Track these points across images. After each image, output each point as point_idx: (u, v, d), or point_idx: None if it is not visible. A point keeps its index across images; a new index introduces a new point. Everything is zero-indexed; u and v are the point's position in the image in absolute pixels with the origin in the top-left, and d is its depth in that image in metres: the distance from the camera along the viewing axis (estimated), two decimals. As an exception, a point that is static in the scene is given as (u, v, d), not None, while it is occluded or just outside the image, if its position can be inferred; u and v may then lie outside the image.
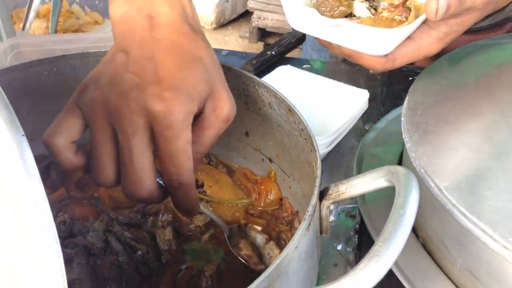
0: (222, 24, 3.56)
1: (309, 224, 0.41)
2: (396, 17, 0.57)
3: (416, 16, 0.57)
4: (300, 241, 0.40)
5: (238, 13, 3.65)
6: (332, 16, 0.58)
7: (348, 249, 0.63)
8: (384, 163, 0.72)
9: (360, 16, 0.59)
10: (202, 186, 0.64)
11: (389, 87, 0.95)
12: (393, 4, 0.59)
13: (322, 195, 0.46)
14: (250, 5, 3.21)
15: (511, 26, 0.88)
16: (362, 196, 0.65)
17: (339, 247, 0.64)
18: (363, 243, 0.65)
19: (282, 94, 0.55)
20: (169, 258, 0.56)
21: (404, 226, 0.34)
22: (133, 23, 0.47)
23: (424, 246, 0.58)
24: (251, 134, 0.64)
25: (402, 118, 0.62)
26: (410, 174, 0.38)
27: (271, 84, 0.57)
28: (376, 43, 0.55)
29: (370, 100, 0.82)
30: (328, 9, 0.58)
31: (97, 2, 1.02)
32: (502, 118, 0.55)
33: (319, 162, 0.46)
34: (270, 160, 0.63)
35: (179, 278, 0.54)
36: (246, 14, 3.57)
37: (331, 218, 0.48)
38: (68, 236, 0.56)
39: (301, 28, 0.60)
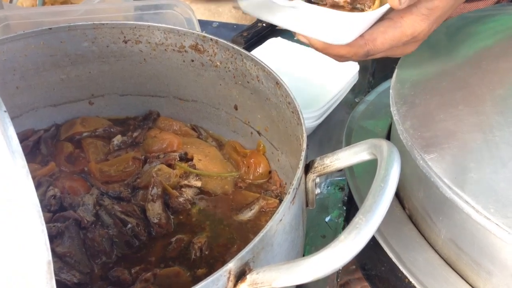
0: (216, -5, 3.50)
1: (294, 197, 0.42)
2: (357, 5, 0.50)
3: (382, 4, 0.49)
4: (285, 214, 0.40)
5: (232, -17, 3.59)
6: None
7: (337, 221, 0.64)
8: (374, 135, 0.72)
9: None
10: (191, 159, 0.65)
11: (379, 59, 0.94)
12: None
13: (308, 168, 0.46)
14: (244, -26, 3.16)
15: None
16: (351, 169, 0.65)
17: (327, 219, 0.65)
18: (351, 215, 0.66)
19: (269, 67, 0.55)
20: (159, 231, 0.57)
21: (384, 199, 0.34)
22: None
23: (411, 218, 0.59)
24: (240, 108, 0.64)
25: (390, 91, 0.62)
26: (392, 148, 0.38)
27: (261, 57, 0.57)
28: (338, 28, 0.47)
29: (360, 72, 0.82)
30: None
31: (85, -27, 1.00)
32: (489, 90, 0.56)
33: (304, 135, 0.46)
34: (259, 134, 0.64)
35: (169, 251, 0.55)
36: (240, -16, 3.51)
37: (318, 190, 0.48)
38: (58, 210, 0.57)
39: (253, 12, 0.51)
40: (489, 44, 0.66)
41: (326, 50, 0.51)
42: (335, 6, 0.48)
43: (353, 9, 0.50)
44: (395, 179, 0.36)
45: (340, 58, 0.53)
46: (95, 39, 0.64)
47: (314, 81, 0.81)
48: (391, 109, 0.60)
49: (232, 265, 0.36)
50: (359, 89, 0.85)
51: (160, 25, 0.62)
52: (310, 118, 0.74)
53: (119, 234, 0.55)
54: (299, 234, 0.46)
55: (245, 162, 0.64)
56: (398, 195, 0.62)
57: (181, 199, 0.60)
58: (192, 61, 0.63)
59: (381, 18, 0.50)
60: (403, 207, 0.61)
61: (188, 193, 0.61)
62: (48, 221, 0.55)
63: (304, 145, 0.45)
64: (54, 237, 0.54)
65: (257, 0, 0.49)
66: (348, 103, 0.83)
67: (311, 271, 0.33)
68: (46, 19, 0.83)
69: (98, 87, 0.69)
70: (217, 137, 0.69)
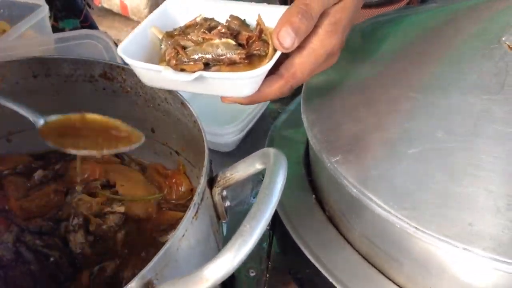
0: (156, 18, 3.50)
1: (197, 212, 0.43)
2: (254, 52, 0.51)
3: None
4: (187, 229, 0.42)
5: (171, 5, 3.60)
6: (195, 62, 0.50)
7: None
8: (295, 143, 0.74)
9: (221, 59, 0.51)
10: (114, 186, 0.65)
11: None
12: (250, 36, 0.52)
13: (212, 182, 0.48)
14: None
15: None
16: (272, 178, 0.67)
17: (255, 229, 0.67)
18: (276, 221, 0.67)
19: (174, 89, 0.56)
20: (83, 261, 0.57)
21: (269, 206, 0.36)
22: None
23: (331, 220, 0.61)
24: (157, 130, 0.65)
25: (301, 99, 0.64)
26: (279, 156, 0.40)
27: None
28: (241, 87, 0.49)
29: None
30: (188, 60, 0.50)
31: (1, 10, 1.00)
32: (384, 90, 0.59)
33: (206, 152, 0.48)
34: (177, 153, 0.65)
35: (93, 280, 0.55)
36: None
37: (227, 203, 0.49)
38: (-23, 251, 0.56)
39: (157, 86, 0.53)
40: (392, 47, 0.70)
41: (253, 101, 0.53)
42: (232, 64, 0.50)
43: (252, 56, 0.51)
44: (280, 186, 0.37)
45: (271, 99, 0.54)
46: (4, 76, 0.64)
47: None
48: (302, 116, 0.62)
49: (134, 284, 0.37)
50: (282, 100, 0.88)
51: (67, 56, 0.63)
52: (233, 132, 0.75)
53: (41, 269, 0.55)
54: (210, 247, 0.47)
55: (167, 183, 0.65)
56: (318, 199, 0.64)
57: (104, 227, 0.60)
58: (104, 89, 0.64)
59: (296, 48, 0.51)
60: (324, 210, 0.63)
61: (112, 219, 0.61)
62: (-34, 264, 0.54)
63: (206, 161, 0.46)
64: (-27, 280, 0.53)
65: (158, 76, 0.50)
66: (273, 113, 0.86)
67: (203, 281, 0.34)
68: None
69: (14, 124, 0.68)
70: (140, 161, 0.70)
